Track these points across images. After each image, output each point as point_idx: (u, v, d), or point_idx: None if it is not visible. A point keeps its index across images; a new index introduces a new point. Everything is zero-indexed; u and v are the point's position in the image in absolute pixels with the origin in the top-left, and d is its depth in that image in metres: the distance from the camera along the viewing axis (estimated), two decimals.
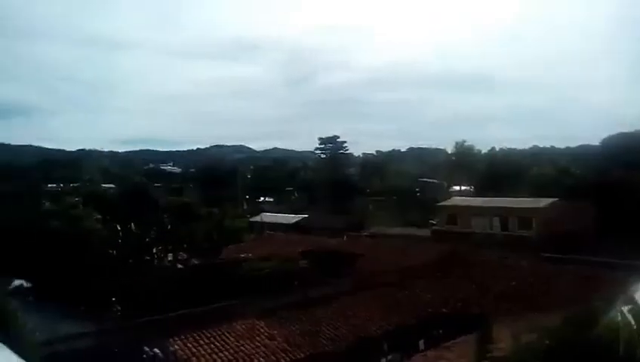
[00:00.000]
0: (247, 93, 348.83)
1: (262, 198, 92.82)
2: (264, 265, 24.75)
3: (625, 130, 56.24)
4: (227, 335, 16.66)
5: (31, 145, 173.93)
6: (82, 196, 46.64)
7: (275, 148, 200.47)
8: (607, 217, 35.15)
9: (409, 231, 46.54)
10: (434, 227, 44.37)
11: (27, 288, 26.39)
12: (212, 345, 16.03)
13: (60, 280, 26.14)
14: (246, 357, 15.78)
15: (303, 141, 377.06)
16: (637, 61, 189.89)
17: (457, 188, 79.08)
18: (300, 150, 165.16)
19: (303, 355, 16.48)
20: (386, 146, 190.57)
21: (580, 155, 74.59)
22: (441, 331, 18.73)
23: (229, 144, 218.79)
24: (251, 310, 18.15)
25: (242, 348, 16.14)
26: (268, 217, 60.30)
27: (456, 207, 44.12)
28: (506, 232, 37.36)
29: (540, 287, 21.50)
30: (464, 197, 56.17)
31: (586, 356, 7.44)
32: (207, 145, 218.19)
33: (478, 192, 63.50)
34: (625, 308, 7.24)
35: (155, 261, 36.03)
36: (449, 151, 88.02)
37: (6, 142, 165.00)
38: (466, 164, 77.25)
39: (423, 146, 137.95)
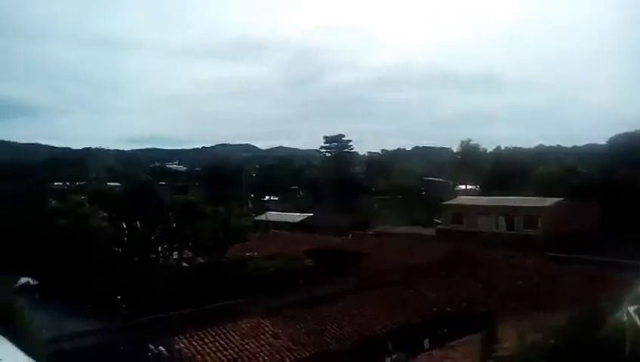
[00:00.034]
0: (252, 93, 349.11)
1: (267, 197, 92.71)
2: (269, 263, 24.72)
3: (625, 130, 56.22)
4: (232, 333, 16.65)
5: (37, 144, 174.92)
6: (88, 194, 46.60)
7: (281, 147, 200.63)
8: (613, 216, 35.05)
9: (414, 230, 46.53)
10: (439, 226, 44.30)
11: (33, 286, 26.43)
12: (217, 344, 16.03)
13: (66, 278, 26.18)
14: (251, 356, 15.77)
15: (309, 140, 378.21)
16: (637, 61, 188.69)
17: (463, 187, 78.98)
18: (305, 149, 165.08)
19: (307, 354, 16.46)
20: (391, 145, 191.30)
21: (587, 154, 74.25)
22: (446, 330, 18.70)
23: (234, 143, 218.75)
24: (256, 308, 18.13)
25: (247, 346, 16.14)
26: (273, 216, 60.39)
27: (461, 206, 44.07)
28: (512, 231, 37.30)
29: (546, 287, 21.40)
30: (470, 196, 56.16)
31: (592, 356, 7.41)
32: (213, 144, 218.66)
33: (484, 191, 63.37)
34: (631, 308, 7.22)
35: (161, 259, 36.05)
36: (454, 150, 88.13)
37: (13, 140, 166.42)
38: (471, 163, 77.07)
39: (429, 145, 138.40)
